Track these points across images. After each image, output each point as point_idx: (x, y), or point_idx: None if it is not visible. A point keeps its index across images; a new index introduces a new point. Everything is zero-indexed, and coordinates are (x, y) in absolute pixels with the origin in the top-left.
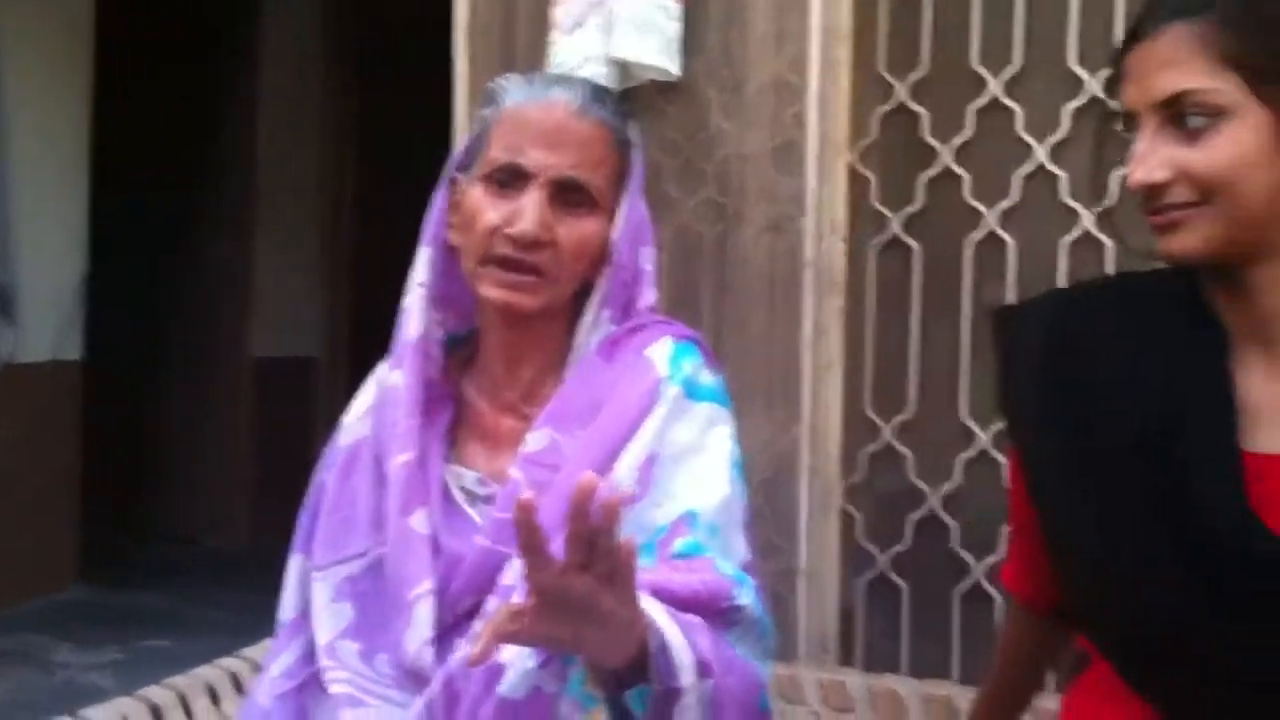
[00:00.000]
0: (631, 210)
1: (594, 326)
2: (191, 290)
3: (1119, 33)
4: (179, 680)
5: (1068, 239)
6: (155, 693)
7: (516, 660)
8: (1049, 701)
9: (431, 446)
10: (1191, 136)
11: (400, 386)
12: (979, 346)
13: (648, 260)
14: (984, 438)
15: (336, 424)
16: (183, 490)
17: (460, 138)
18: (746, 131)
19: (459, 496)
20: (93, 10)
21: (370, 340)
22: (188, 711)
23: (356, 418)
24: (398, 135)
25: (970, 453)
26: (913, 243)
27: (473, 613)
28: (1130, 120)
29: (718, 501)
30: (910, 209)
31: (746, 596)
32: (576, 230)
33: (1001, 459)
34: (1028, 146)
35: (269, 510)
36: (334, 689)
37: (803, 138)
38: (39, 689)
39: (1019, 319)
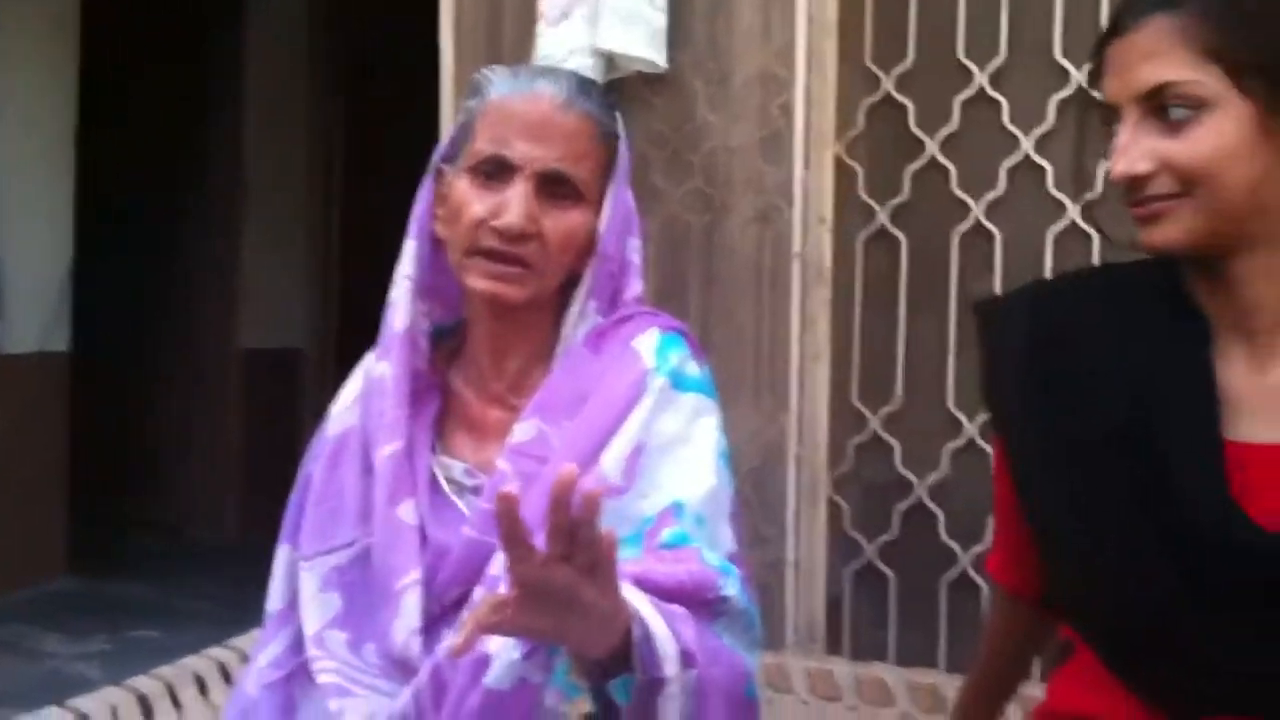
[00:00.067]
0: (617, 202)
1: (581, 318)
2: (179, 282)
3: (1104, 25)
4: (167, 670)
5: (1054, 230)
6: (143, 683)
7: (502, 651)
8: (1035, 689)
9: (419, 437)
10: (1173, 128)
11: (387, 377)
12: (966, 337)
13: (634, 251)
14: (971, 428)
15: (324, 415)
16: (170, 481)
17: (447, 130)
18: (733, 123)
19: (446, 487)
20: (79, 6)
21: (357, 332)
22: (175, 701)
23: (344, 408)
24: (384, 127)
25: (957, 443)
26: (900, 234)
27: (460, 603)
28: (1112, 113)
29: (704, 492)
30: (897, 200)
31: (732, 587)
32: (562, 222)
33: (989, 449)
34: (1014, 138)
35: (257, 501)
36: (322, 679)
37: (790, 129)
38: (27, 679)
39: (1002, 311)
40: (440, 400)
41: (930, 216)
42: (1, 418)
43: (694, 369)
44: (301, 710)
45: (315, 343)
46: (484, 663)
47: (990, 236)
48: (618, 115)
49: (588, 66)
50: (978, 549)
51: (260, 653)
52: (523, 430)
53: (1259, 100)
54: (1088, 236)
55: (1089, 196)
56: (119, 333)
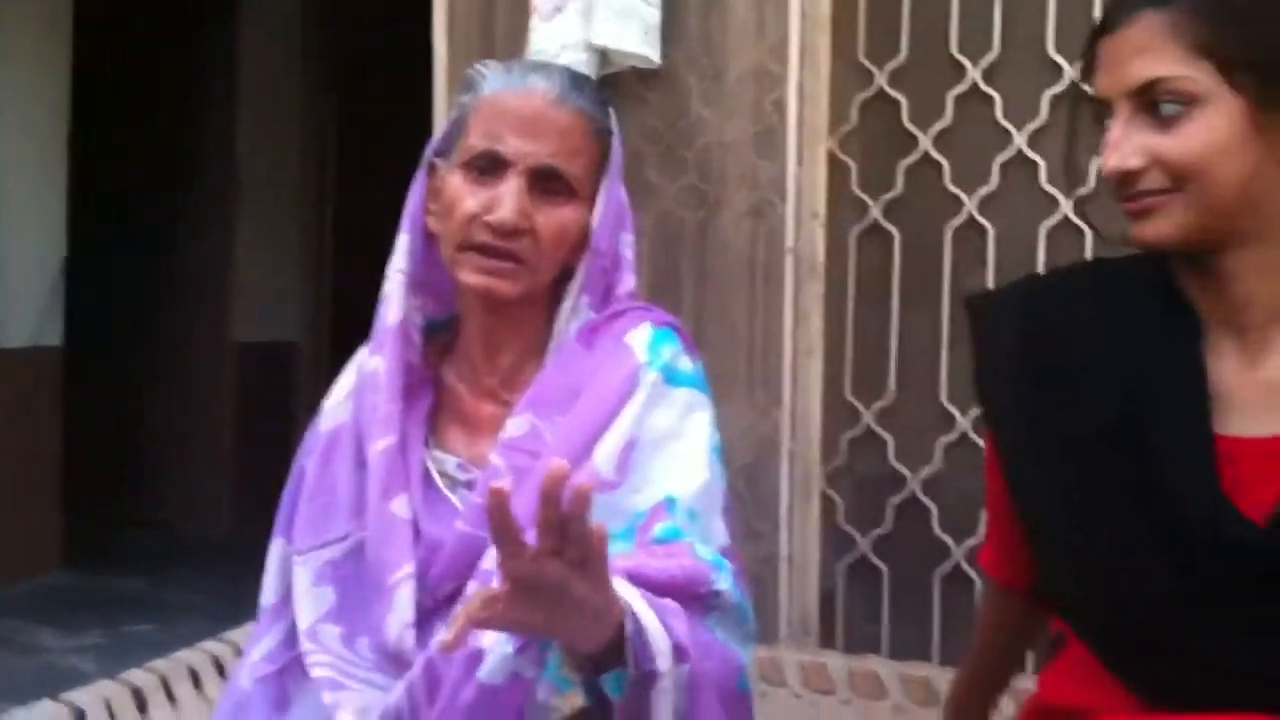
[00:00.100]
0: (610, 197)
1: (573, 313)
2: (172, 277)
3: (1096, 20)
4: (161, 664)
5: (1047, 225)
6: (137, 676)
7: (495, 646)
8: (1027, 682)
9: (412, 432)
10: (1164, 124)
11: (380, 372)
12: (959, 332)
13: (627, 247)
14: (964, 422)
15: (318, 409)
16: (164, 475)
17: (440, 124)
18: (727, 119)
19: (439, 482)
20: (73, 2)
21: (351, 325)
22: (170, 695)
23: (337, 403)
24: (378, 121)
25: (950, 437)
26: (893, 229)
27: (453, 597)
28: (1104, 108)
29: (697, 487)
30: (890, 195)
31: (725, 581)
32: (555, 218)
33: (981, 443)
34: (1007, 133)
35: (250, 495)
36: (315, 672)
37: (783, 125)
38: (21, 673)
39: (994, 306)
40: (433, 395)
41: (923, 211)
42: None
43: (687, 364)
44: (295, 704)
45: (309, 336)
46: (477, 657)
47: (983, 231)
48: (611, 111)
49: (581, 62)
50: (971, 542)
51: (254, 647)
52: (515, 425)
53: (1250, 96)
54: (1080, 232)
55: (1081, 192)
56: (112, 326)
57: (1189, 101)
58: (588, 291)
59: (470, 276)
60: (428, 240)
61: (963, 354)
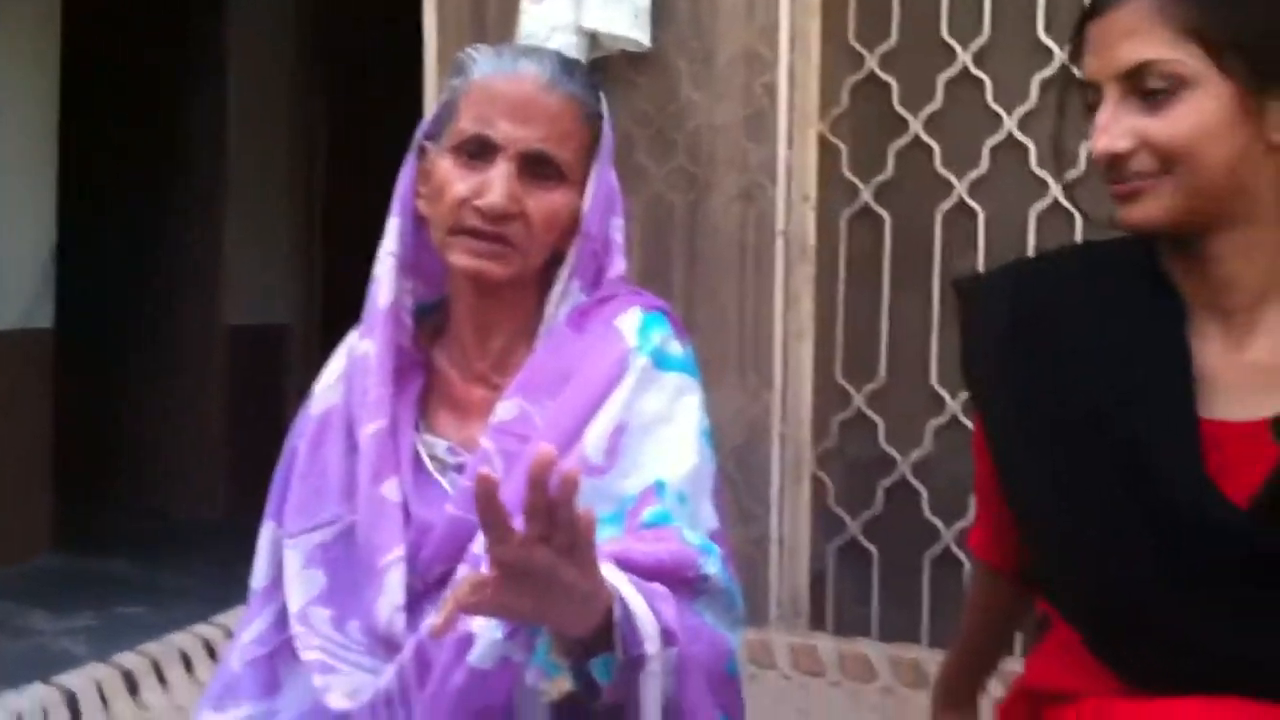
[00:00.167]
0: (601, 182)
1: (563, 297)
2: (163, 259)
3: (1086, 3)
4: (152, 647)
5: (1037, 208)
6: (129, 659)
7: (485, 630)
8: (1015, 665)
9: (402, 415)
10: (1153, 107)
11: (371, 355)
12: (949, 315)
13: (617, 231)
14: (954, 405)
15: (309, 392)
16: (155, 457)
17: (431, 106)
18: (717, 102)
19: (430, 465)
20: None
21: (343, 307)
22: (161, 677)
23: (327, 386)
24: (369, 103)
25: (940, 420)
26: (883, 212)
27: (443, 580)
28: (1092, 91)
29: (686, 471)
30: (881, 178)
31: (713, 566)
32: (545, 202)
33: (971, 426)
34: (997, 117)
35: (242, 477)
36: (306, 655)
37: (773, 108)
38: (12, 656)
39: (982, 289)
40: (424, 378)
41: (914, 194)
42: None
43: (676, 348)
44: (285, 686)
45: (300, 319)
46: (467, 641)
47: (973, 214)
48: (601, 95)
49: (571, 45)
50: (960, 525)
51: (244, 629)
52: (505, 409)
53: (1238, 79)
54: (1070, 215)
55: (1071, 175)
56: (103, 309)
57: (1178, 84)
58: (578, 276)
59: (461, 259)
60: (418, 223)
61: (953, 337)
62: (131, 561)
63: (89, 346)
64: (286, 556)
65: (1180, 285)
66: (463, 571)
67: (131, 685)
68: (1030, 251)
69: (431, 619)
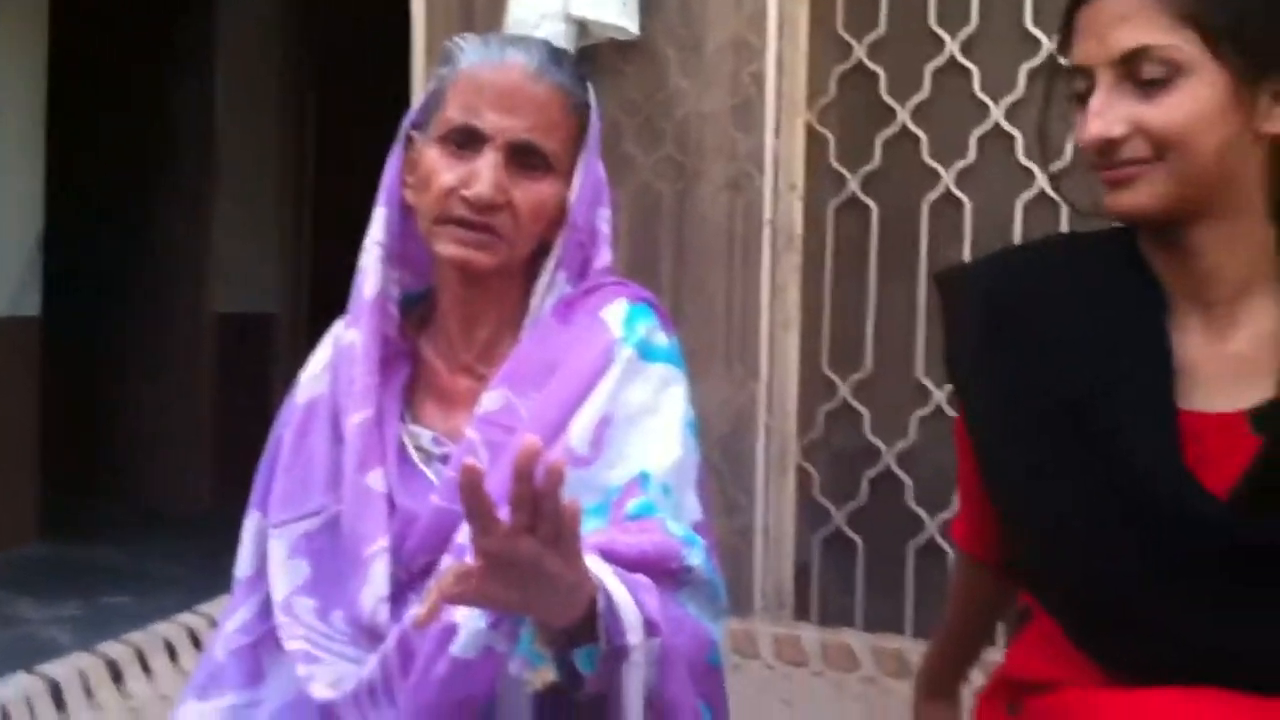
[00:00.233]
0: (588, 172)
1: (550, 288)
2: (150, 247)
3: None
4: (137, 636)
5: (1023, 199)
6: (113, 648)
7: (468, 620)
8: (996, 655)
9: (388, 405)
10: (1148, 93)
11: (357, 344)
12: (935, 306)
13: (604, 222)
14: (939, 395)
15: (296, 380)
16: (142, 446)
17: (419, 95)
18: (705, 90)
19: (415, 455)
20: None
21: (330, 296)
22: (145, 667)
23: (313, 376)
24: (357, 92)
25: (925, 410)
26: (870, 202)
27: (428, 571)
28: (1081, 77)
29: (671, 463)
30: (868, 168)
31: (696, 557)
32: (532, 193)
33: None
34: (984, 106)
35: (229, 466)
36: (289, 645)
37: (761, 97)
38: None
39: (963, 280)
40: (409, 368)
41: (901, 184)
42: None
43: (662, 339)
44: (269, 676)
45: (288, 307)
46: (451, 631)
47: (960, 205)
48: (589, 85)
49: (559, 32)
50: (944, 516)
51: (228, 619)
52: (491, 400)
53: (1232, 67)
54: (1057, 205)
55: (1057, 165)
56: (90, 297)
57: (1175, 71)
58: (564, 266)
59: (447, 248)
60: (405, 213)
61: (939, 328)
62: (118, 550)
63: (76, 335)
64: (271, 546)
65: (1162, 276)
66: (447, 562)
67: (116, 674)
68: (1016, 242)
69: (415, 609)
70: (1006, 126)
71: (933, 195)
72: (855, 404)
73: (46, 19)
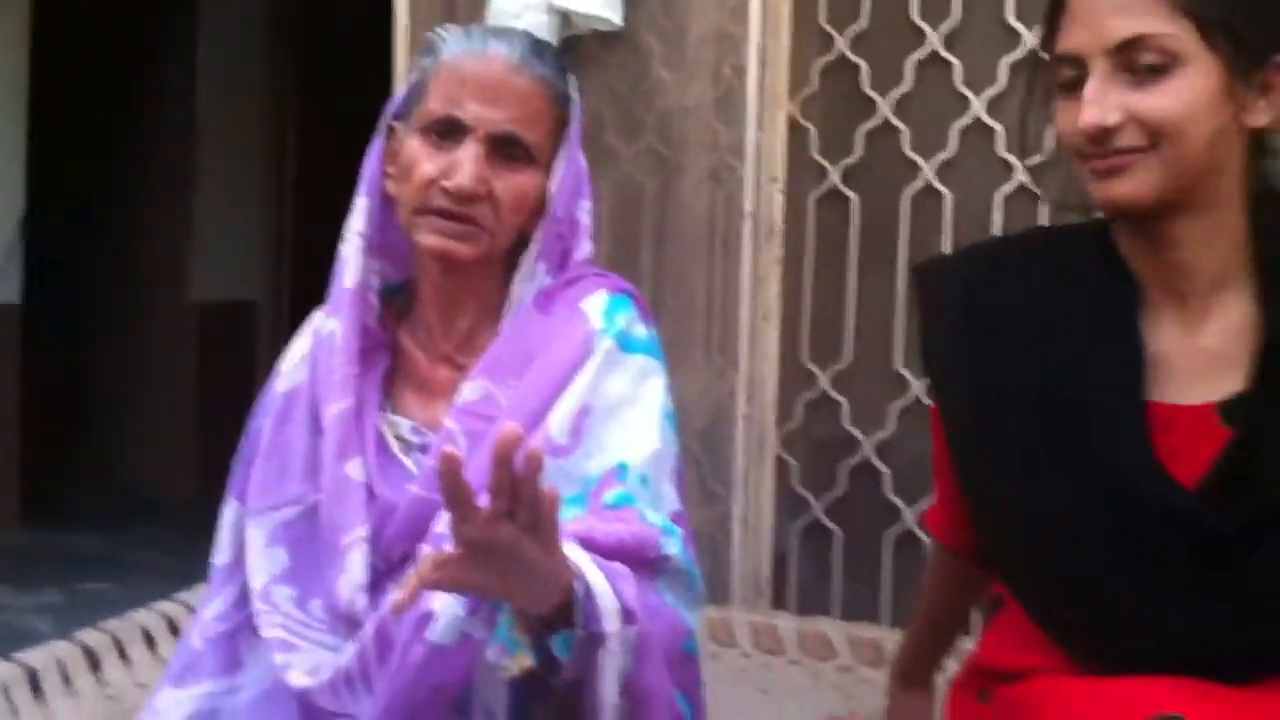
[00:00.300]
0: (569, 164)
1: (530, 278)
2: (131, 235)
3: None
4: (114, 624)
5: (1003, 192)
6: (91, 636)
7: (446, 607)
8: (971, 643)
9: (367, 395)
10: (1143, 82)
11: (337, 334)
12: (914, 298)
13: (585, 213)
14: (917, 386)
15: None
16: (123, 433)
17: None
18: (687, 82)
19: (394, 445)
20: None
21: (312, 284)
22: (123, 654)
23: (293, 365)
24: (339, 81)
25: (904, 401)
26: (851, 194)
27: (406, 560)
28: (1071, 66)
29: (649, 454)
30: (849, 160)
31: (674, 546)
32: (513, 184)
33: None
34: (965, 100)
35: (209, 454)
36: (267, 633)
37: (743, 89)
38: None
39: (939, 274)
40: (389, 358)
41: (882, 177)
42: None
43: (641, 331)
44: (246, 664)
45: (269, 296)
46: (428, 618)
47: (940, 197)
48: (571, 78)
49: (542, 24)
50: (922, 506)
51: (205, 606)
52: (470, 390)
53: (1224, 59)
54: (1036, 199)
55: (1036, 159)
56: (71, 284)
57: (1172, 60)
58: (544, 257)
59: (428, 239)
60: (386, 203)
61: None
62: (98, 537)
63: (57, 322)
64: (249, 534)
65: (1138, 270)
66: (425, 551)
67: (94, 662)
68: (996, 234)
69: (394, 595)
70: (987, 120)
71: (913, 188)
72: (834, 394)
73: (28, 8)
